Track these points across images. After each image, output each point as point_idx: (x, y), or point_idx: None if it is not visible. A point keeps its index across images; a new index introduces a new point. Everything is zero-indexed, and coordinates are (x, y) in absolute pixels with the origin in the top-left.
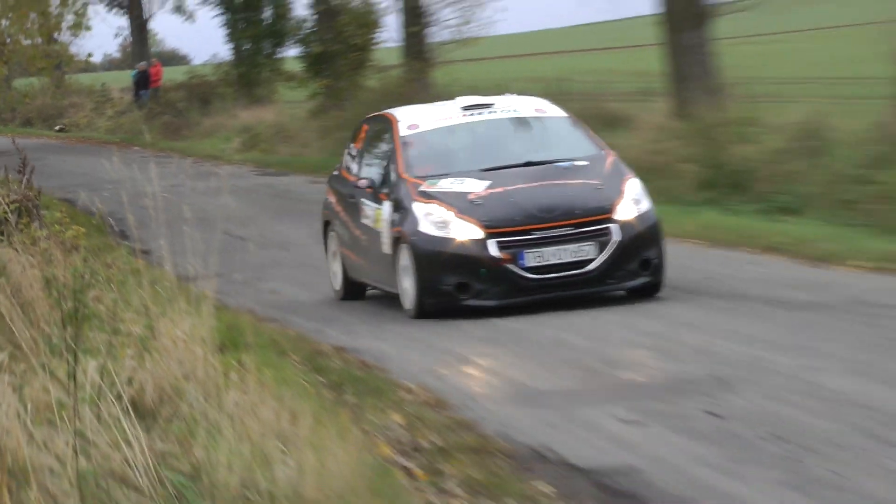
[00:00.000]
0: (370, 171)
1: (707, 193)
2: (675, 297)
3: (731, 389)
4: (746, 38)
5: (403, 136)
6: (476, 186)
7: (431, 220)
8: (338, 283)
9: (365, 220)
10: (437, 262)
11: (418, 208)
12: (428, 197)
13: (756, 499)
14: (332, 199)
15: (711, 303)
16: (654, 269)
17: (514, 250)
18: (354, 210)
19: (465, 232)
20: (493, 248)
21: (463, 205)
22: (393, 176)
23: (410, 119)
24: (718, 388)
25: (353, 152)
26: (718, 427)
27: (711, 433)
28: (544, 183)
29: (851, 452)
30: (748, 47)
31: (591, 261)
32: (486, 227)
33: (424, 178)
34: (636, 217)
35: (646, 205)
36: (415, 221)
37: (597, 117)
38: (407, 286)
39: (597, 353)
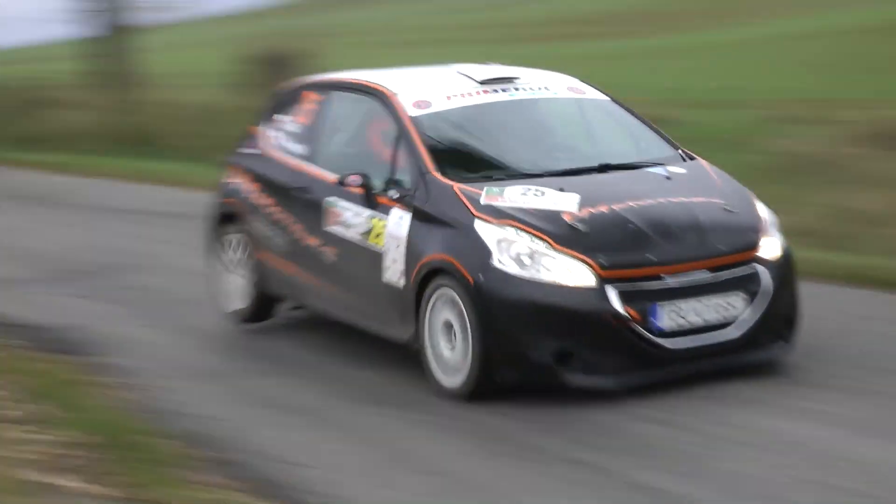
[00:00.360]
0: (349, 159)
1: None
2: None
3: (145, 272)
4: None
5: (416, 118)
6: (564, 202)
7: (512, 251)
8: (238, 301)
9: (337, 229)
10: (524, 316)
11: (486, 232)
12: (499, 215)
13: (153, 337)
14: (247, 185)
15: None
16: (793, 328)
17: (642, 303)
18: (309, 210)
19: (569, 272)
20: (614, 300)
21: (559, 230)
22: (414, 176)
23: (415, 94)
24: (136, 272)
25: (294, 128)
26: (132, 297)
27: (130, 300)
28: (661, 201)
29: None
30: (166, 55)
31: (733, 320)
32: (603, 266)
33: (473, 181)
34: (781, 256)
35: (779, 236)
36: (482, 251)
37: (41, 100)
38: (450, 351)
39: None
